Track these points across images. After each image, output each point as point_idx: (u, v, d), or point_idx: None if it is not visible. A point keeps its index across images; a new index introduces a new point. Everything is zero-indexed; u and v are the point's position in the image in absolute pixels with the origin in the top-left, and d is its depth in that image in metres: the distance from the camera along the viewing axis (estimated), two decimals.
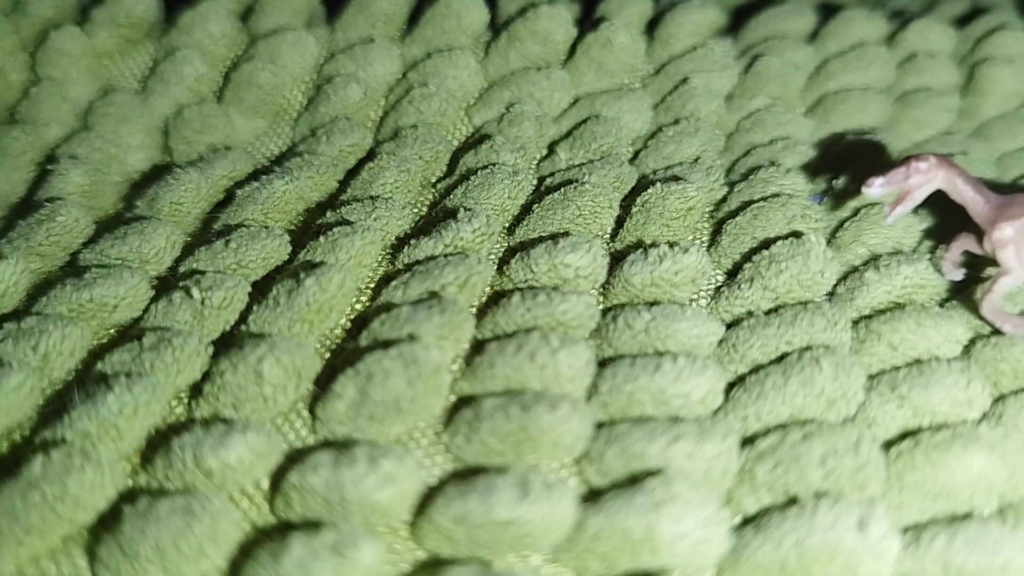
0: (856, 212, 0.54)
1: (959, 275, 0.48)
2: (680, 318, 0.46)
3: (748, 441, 0.42)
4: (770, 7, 0.71)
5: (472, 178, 0.55)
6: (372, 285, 0.50)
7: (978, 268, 0.49)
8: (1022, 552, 0.38)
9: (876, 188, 0.46)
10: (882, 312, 0.47)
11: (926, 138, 0.62)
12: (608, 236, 0.53)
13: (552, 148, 0.61)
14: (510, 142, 0.59)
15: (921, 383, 0.43)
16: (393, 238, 0.53)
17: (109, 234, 0.53)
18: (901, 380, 0.44)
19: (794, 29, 0.69)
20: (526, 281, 0.49)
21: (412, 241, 0.51)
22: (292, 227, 0.55)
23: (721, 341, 0.46)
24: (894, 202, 0.47)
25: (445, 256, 0.49)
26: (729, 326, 0.47)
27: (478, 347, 0.46)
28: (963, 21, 0.70)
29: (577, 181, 0.54)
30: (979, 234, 0.46)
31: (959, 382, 0.43)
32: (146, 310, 0.49)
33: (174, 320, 0.47)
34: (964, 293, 0.48)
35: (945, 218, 0.52)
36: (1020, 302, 0.48)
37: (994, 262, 0.46)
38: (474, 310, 0.48)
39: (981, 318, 0.46)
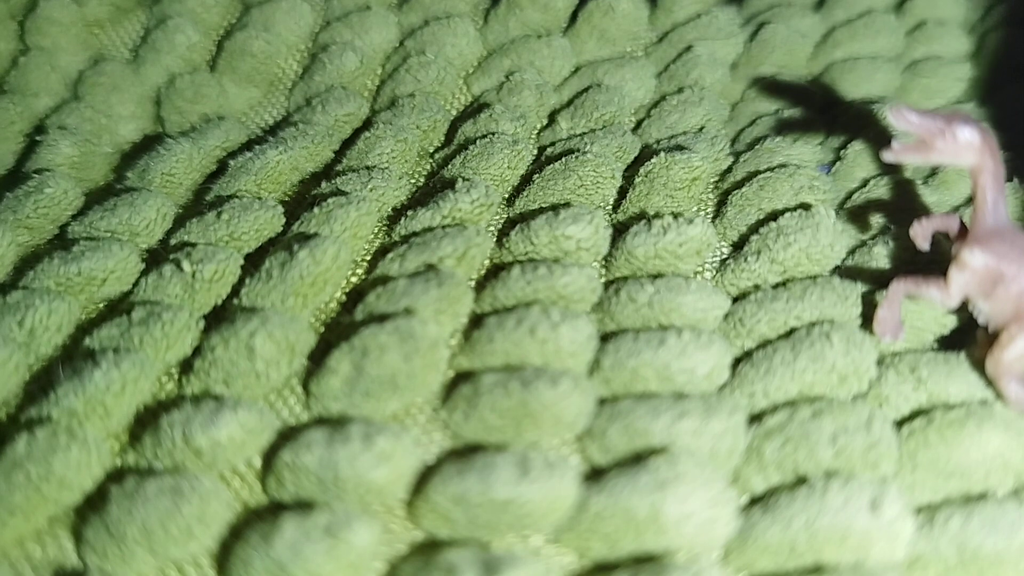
0: (865, 183, 0.53)
1: (926, 245, 0.45)
2: (685, 291, 0.45)
3: (756, 418, 0.41)
4: None
5: (471, 148, 0.54)
6: (368, 257, 0.49)
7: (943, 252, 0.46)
8: None
9: (904, 123, 0.41)
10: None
11: (935, 108, 0.61)
12: (610, 207, 0.52)
13: (553, 117, 0.60)
14: (510, 111, 0.58)
15: (943, 371, 0.42)
16: (390, 209, 0.52)
17: (99, 206, 0.52)
18: (922, 364, 0.42)
19: None
20: (526, 253, 0.48)
21: (409, 212, 0.50)
22: (286, 198, 0.54)
23: (727, 315, 0.46)
24: (908, 145, 0.42)
25: (443, 228, 0.48)
26: (735, 300, 0.46)
27: (477, 321, 0.45)
28: None
29: (578, 151, 0.53)
30: (963, 229, 0.43)
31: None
32: (136, 284, 0.48)
33: (164, 294, 0.47)
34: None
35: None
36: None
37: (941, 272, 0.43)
38: (473, 283, 0.48)
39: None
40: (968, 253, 0.41)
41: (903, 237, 0.45)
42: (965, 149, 0.41)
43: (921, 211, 0.50)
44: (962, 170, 0.51)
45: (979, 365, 0.42)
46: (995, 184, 0.41)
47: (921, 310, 0.45)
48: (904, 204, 0.51)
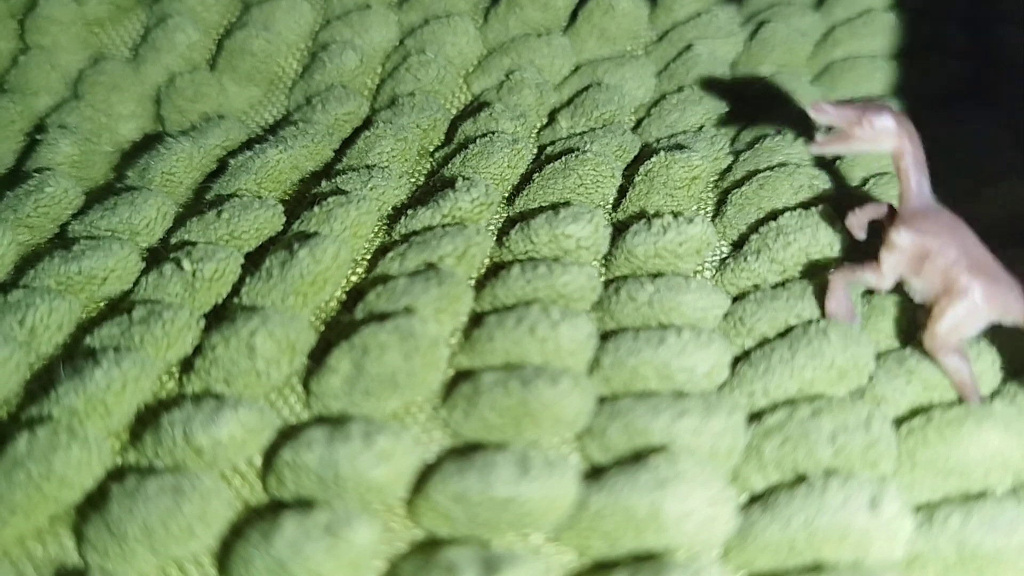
0: (865, 182, 0.53)
1: (862, 235, 0.46)
2: (685, 290, 0.45)
3: (755, 417, 0.41)
4: None
5: (471, 147, 0.54)
6: (368, 256, 0.49)
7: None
8: None
9: (823, 115, 0.43)
10: None
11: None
12: (610, 206, 0.52)
13: (553, 116, 0.60)
14: (510, 110, 0.58)
15: (930, 357, 0.42)
16: (389, 208, 0.52)
17: (99, 205, 0.52)
18: (909, 355, 0.43)
19: None
20: (526, 252, 0.48)
21: (409, 211, 0.50)
22: (286, 197, 0.54)
23: (727, 314, 0.46)
24: (830, 137, 0.44)
25: (443, 227, 0.48)
26: (735, 299, 0.46)
27: (477, 320, 0.45)
28: None
29: (578, 150, 0.53)
30: (893, 213, 0.44)
31: (970, 354, 0.42)
32: (136, 283, 0.48)
33: (165, 293, 0.46)
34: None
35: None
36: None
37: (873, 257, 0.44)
38: (473, 282, 0.47)
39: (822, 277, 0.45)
40: (895, 234, 0.42)
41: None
42: (882, 135, 0.43)
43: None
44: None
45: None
46: (916, 166, 0.43)
47: (895, 301, 0.45)
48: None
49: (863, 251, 0.46)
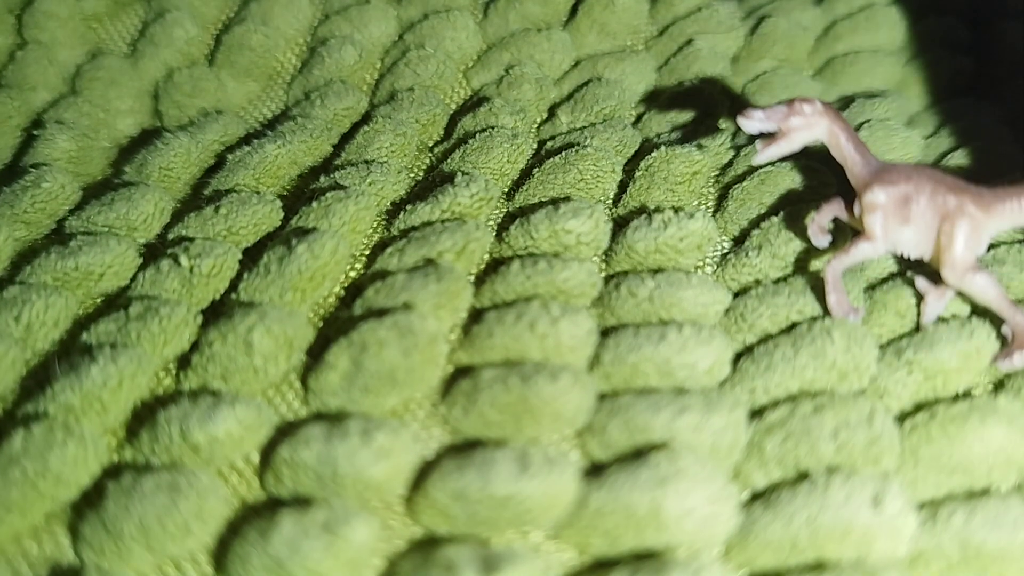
0: None
1: (825, 242, 0.46)
2: (685, 286, 0.45)
3: (757, 413, 0.41)
4: None
5: (470, 142, 0.54)
6: (366, 252, 0.49)
7: (845, 238, 0.47)
8: None
9: (754, 122, 0.44)
10: (887, 280, 0.46)
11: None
12: (611, 201, 0.52)
13: (553, 111, 0.59)
14: (509, 105, 0.58)
15: (926, 345, 0.42)
16: (388, 203, 0.52)
17: (96, 201, 0.52)
18: (906, 346, 0.43)
19: None
20: (526, 248, 0.48)
21: (408, 206, 0.50)
22: (284, 192, 0.54)
23: (728, 310, 0.45)
24: (770, 140, 0.45)
25: (442, 222, 0.48)
26: (736, 294, 0.46)
27: (476, 316, 0.45)
28: None
29: (579, 145, 0.53)
30: (850, 199, 0.45)
31: (962, 334, 0.42)
32: (133, 278, 0.48)
33: (162, 289, 0.46)
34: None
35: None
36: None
37: (858, 233, 0.44)
38: (472, 278, 0.47)
39: (819, 277, 0.45)
40: (869, 195, 0.43)
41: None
42: (814, 118, 0.44)
43: None
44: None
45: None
46: (850, 136, 0.44)
47: (897, 295, 0.45)
48: None
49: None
